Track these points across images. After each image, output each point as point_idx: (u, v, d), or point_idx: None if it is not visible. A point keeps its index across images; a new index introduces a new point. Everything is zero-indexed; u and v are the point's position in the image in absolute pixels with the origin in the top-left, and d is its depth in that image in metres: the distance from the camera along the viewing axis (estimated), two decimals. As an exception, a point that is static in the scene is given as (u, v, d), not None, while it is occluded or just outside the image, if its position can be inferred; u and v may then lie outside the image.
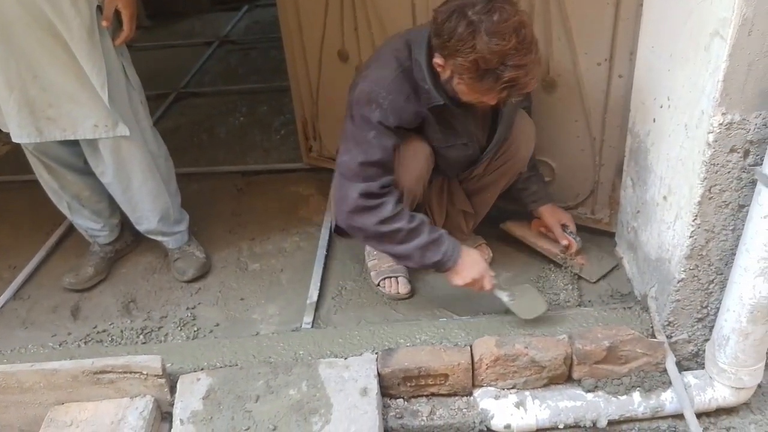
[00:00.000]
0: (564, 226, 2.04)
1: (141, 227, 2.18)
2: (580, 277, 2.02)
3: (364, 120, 1.65)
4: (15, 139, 1.87)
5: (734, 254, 1.49)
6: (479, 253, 1.86)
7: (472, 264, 1.76)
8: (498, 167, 1.94)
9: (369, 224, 1.69)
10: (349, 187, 1.68)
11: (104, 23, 1.77)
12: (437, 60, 1.58)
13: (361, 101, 1.65)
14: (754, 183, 1.38)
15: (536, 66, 1.54)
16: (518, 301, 1.80)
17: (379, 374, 1.66)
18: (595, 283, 2.01)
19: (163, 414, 1.71)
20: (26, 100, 1.80)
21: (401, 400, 1.72)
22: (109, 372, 1.64)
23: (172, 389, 1.68)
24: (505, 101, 1.63)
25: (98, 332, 1.99)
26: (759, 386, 1.69)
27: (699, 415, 1.65)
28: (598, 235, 2.16)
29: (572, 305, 1.91)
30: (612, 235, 2.12)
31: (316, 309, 1.98)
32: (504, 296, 1.81)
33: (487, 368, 1.68)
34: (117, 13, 1.80)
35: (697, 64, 1.39)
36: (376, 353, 1.72)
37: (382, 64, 1.68)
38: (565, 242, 2.02)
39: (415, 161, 1.77)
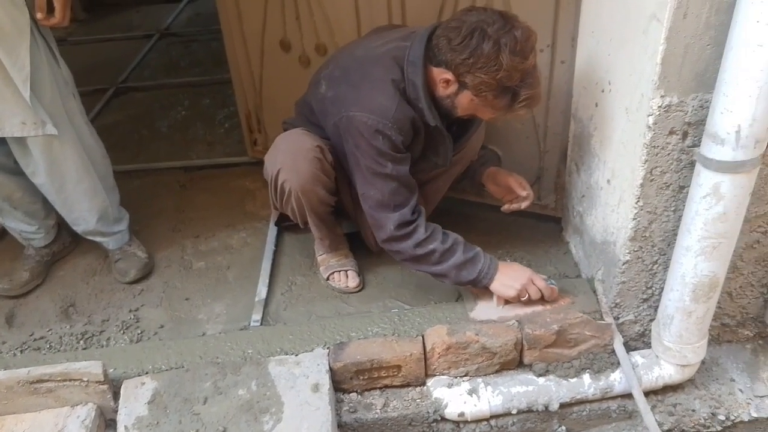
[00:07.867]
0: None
1: (78, 228, 2.08)
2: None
3: (376, 152, 1.64)
4: (-64, 139, 1.76)
5: (676, 235, 1.52)
6: (517, 264, 1.82)
7: (514, 276, 1.74)
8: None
9: (406, 248, 1.70)
10: (382, 218, 1.70)
11: (38, 14, 1.68)
12: (446, 75, 1.57)
13: (365, 133, 1.62)
14: (693, 164, 1.41)
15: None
16: None
17: (331, 369, 1.64)
18: None
19: (107, 421, 1.64)
20: None
21: (354, 394, 1.70)
22: (47, 381, 1.57)
23: (116, 395, 1.61)
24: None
25: (35, 339, 1.89)
26: (702, 362, 1.73)
27: (647, 394, 1.69)
28: (545, 221, 2.19)
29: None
30: (558, 220, 2.14)
31: (265, 306, 1.93)
32: None
33: (439, 357, 1.67)
34: (50, 2, 1.69)
35: (636, 47, 1.41)
36: (328, 348, 1.69)
37: (376, 88, 1.64)
38: (524, 193, 1.90)
39: (305, 162, 1.75)
